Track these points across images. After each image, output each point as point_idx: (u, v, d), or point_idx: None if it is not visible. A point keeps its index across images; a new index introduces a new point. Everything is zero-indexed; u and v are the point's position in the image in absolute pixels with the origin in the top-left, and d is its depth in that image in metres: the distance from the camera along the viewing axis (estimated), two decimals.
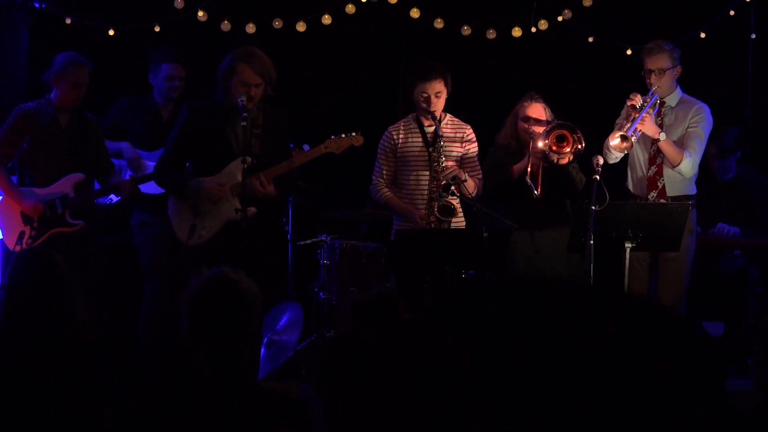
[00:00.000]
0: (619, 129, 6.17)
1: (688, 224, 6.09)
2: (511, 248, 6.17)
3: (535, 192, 6.23)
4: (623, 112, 6.38)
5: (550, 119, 6.44)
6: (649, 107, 6.17)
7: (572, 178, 6.46)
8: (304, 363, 6.67)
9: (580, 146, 6.20)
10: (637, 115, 6.11)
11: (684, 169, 6.26)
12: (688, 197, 6.33)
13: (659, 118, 6.33)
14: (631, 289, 6.07)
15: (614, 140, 6.09)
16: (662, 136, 6.18)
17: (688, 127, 6.33)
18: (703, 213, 6.53)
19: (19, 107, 6.34)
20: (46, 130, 6.26)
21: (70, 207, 6.28)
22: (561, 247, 6.33)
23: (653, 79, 6.27)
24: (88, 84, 6.32)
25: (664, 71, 6.27)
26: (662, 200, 6.30)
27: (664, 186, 6.32)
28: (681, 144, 6.29)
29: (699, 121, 6.33)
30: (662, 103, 6.37)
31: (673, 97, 6.39)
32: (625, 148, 6.11)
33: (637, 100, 6.17)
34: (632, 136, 6.07)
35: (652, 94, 6.24)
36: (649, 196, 6.33)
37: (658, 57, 6.28)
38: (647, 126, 6.15)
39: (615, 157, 6.25)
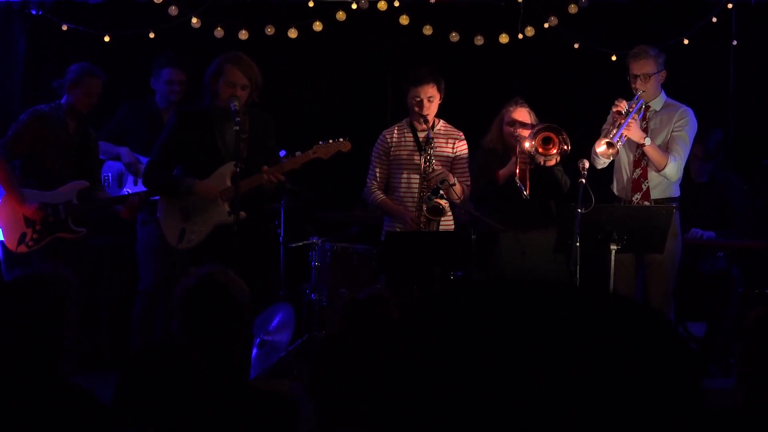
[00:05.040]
0: (605, 135, 6.24)
1: (672, 227, 6.12)
2: (496, 250, 6.23)
3: (525, 193, 6.26)
4: (609, 118, 6.42)
5: (534, 123, 6.51)
6: (635, 113, 6.22)
7: (558, 180, 6.51)
8: (295, 363, 6.74)
9: (566, 147, 6.23)
10: (622, 121, 6.15)
11: (669, 173, 6.30)
12: (671, 200, 6.38)
13: (644, 122, 6.37)
14: (616, 290, 6.12)
15: (600, 147, 6.15)
16: (647, 141, 6.23)
17: (672, 131, 6.37)
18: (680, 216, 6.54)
19: (34, 108, 6.37)
20: (56, 133, 6.30)
21: (73, 214, 6.31)
22: (546, 249, 6.36)
23: (638, 84, 6.31)
24: (100, 94, 6.38)
25: (650, 76, 6.31)
26: (646, 203, 6.33)
27: (648, 189, 6.36)
28: (665, 148, 6.35)
29: (683, 125, 6.38)
30: (647, 108, 6.40)
31: (658, 102, 6.44)
32: (611, 154, 6.16)
33: (623, 106, 6.20)
34: (618, 142, 6.12)
35: (637, 99, 6.27)
36: (634, 199, 6.37)
37: (643, 62, 6.32)
38: (633, 131, 6.20)
39: (602, 162, 6.30)
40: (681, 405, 1.08)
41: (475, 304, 1.12)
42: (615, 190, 6.53)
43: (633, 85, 6.37)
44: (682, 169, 6.41)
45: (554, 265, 6.47)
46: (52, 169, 6.33)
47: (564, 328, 1.08)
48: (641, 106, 6.34)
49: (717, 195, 7.18)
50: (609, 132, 6.23)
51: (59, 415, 3.02)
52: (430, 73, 6.37)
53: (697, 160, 7.06)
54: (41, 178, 6.34)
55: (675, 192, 6.47)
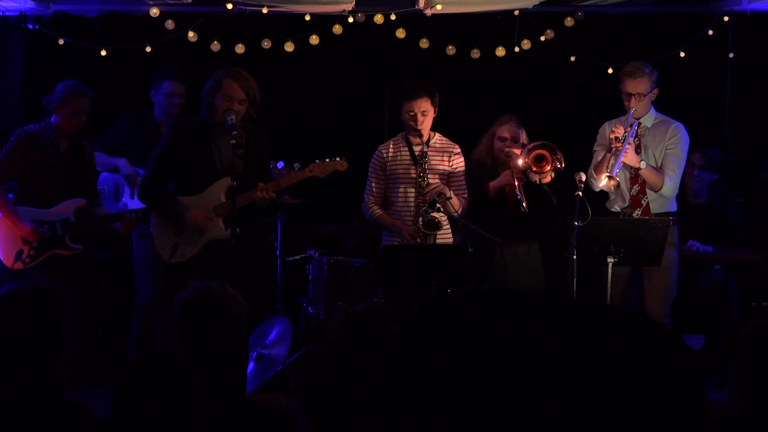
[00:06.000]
0: (606, 168, 6.18)
1: (670, 238, 6.12)
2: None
3: (523, 205, 6.26)
4: (598, 138, 6.46)
5: (525, 141, 6.51)
6: (631, 137, 6.24)
7: (547, 196, 6.54)
8: (292, 376, 6.73)
9: (559, 165, 6.26)
10: (620, 147, 6.16)
11: (666, 193, 6.33)
12: (669, 214, 6.38)
13: (637, 140, 6.40)
14: (613, 302, 6.12)
15: (602, 182, 6.16)
16: (643, 165, 6.24)
17: (666, 149, 6.39)
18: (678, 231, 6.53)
19: (22, 129, 6.33)
20: (46, 153, 6.25)
21: (70, 231, 6.29)
22: (527, 263, 6.43)
23: (632, 102, 6.31)
24: (88, 112, 6.32)
25: (643, 96, 6.33)
26: (647, 218, 6.35)
27: (648, 204, 6.38)
28: (659, 165, 6.37)
29: (676, 142, 6.39)
30: (638, 124, 6.41)
31: (649, 118, 6.44)
32: (613, 185, 6.19)
33: (620, 132, 6.21)
34: (618, 172, 6.17)
35: (631, 122, 6.27)
36: (634, 215, 6.38)
37: (638, 81, 6.32)
38: (629, 157, 6.22)
39: (600, 187, 6.32)
40: (683, 418, 1.08)
41: (476, 317, 1.12)
42: (611, 207, 6.53)
43: (626, 103, 6.37)
44: (677, 187, 6.45)
45: (535, 280, 6.51)
46: (45, 189, 6.29)
47: (565, 342, 1.08)
48: (636, 129, 6.35)
49: (713, 214, 7.19)
50: (607, 160, 6.20)
51: (54, 429, 3.01)
52: (423, 87, 6.37)
53: (694, 168, 7.06)
54: (36, 198, 6.30)
55: (673, 207, 6.49)
